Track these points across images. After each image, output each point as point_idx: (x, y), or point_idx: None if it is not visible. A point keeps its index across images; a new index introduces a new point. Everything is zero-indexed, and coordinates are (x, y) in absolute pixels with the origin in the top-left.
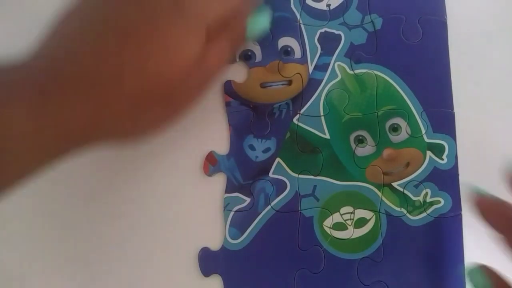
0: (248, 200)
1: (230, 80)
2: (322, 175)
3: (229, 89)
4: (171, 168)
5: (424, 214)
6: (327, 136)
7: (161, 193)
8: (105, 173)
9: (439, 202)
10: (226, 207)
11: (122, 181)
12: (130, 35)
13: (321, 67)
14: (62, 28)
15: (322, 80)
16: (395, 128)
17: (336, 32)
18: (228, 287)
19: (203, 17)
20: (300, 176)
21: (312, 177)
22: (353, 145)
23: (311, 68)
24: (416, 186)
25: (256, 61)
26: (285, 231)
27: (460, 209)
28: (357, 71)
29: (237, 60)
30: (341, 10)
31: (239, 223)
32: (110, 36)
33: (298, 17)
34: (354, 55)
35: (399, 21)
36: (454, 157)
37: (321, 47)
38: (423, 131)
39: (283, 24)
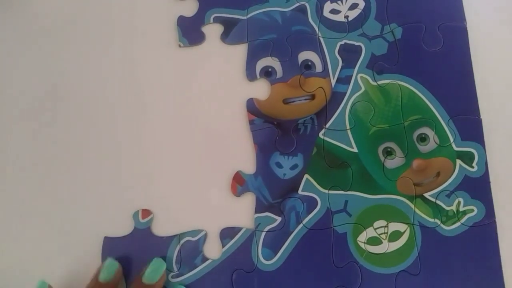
0: (279, 219)
1: (252, 98)
2: (353, 190)
3: (251, 107)
4: (199, 190)
5: (458, 224)
6: (355, 150)
7: (191, 217)
8: (133, 193)
9: (472, 210)
10: (257, 227)
11: (148, 205)
12: None
13: (344, 80)
14: None
15: (345, 93)
16: (423, 138)
17: (356, 44)
18: None
19: None
20: (330, 192)
21: (342, 192)
22: (381, 158)
23: (333, 81)
24: (448, 196)
25: (277, 77)
26: (319, 249)
27: (494, 217)
28: (380, 82)
29: (258, 77)
30: (360, 21)
31: (271, 243)
32: None
33: (317, 30)
34: (376, 66)
35: (419, 29)
36: (484, 164)
37: (342, 60)
38: (451, 139)
39: (302, 38)
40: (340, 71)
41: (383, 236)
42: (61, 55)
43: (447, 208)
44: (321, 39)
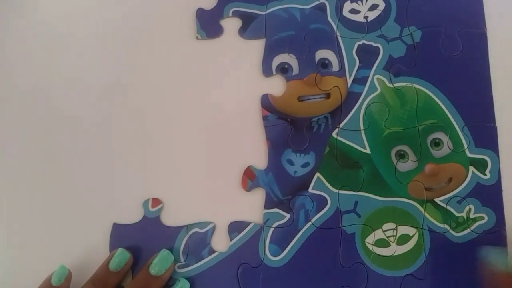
0: (287, 216)
1: (267, 94)
2: (363, 191)
3: (266, 102)
4: (209, 183)
5: (467, 231)
6: (368, 151)
7: (200, 209)
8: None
9: (482, 218)
10: (266, 223)
11: (159, 194)
12: None
13: (360, 80)
14: None
15: (361, 93)
16: (437, 143)
17: (375, 45)
18: None
19: None
20: (341, 191)
21: (353, 192)
22: (394, 160)
23: (349, 81)
24: (459, 202)
25: (293, 74)
26: (326, 248)
27: (504, 225)
28: (396, 85)
29: (274, 73)
30: (379, 22)
31: (279, 240)
32: None
33: (335, 29)
34: (393, 68)
35: (438, 34)
36: (497, 172)
37: (359, 60)
38: (465, 146)
39: (320, 36)
40: (357, 71)
41: (392, 238)
42: (81, 46)
43: (457, 215)
44: (339, 38)
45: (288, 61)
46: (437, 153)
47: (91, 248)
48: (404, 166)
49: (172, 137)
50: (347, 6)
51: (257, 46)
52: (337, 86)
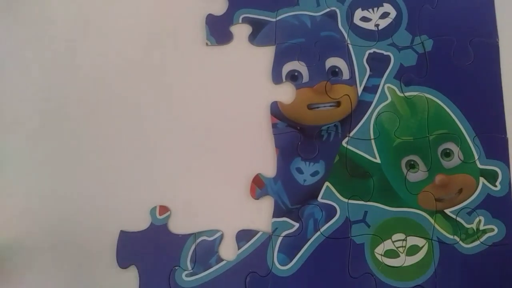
0: (296, 225)
1: (276, 101)
2: (373, 201)
3: (275, 110)
4: (217, 190)
5: (477, 242)
6: (378, 160)
7: (208, 217)
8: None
9: (492, 230)
10: (274, 232)
11: (166, 202)
12: None
13: (371, 89)
14: None
15: (371, 102)
16: (447, 153)
17: (385, 53)
18: None
19: None
20: (350, 201)
21: (362, 202)
22: (404, 170)
23: (360, 90)
24: (469, 213)
25: (303, 81)
26: (335, 258)
27: None
28: (407, 94)
29: (284, 80)
30: (390, 30)
31: (287, 249)
32: None
33: (346, 37)
34: (404, 77)
35: (450, 43)
36: (507, 184)
37: (370, 68)
38: (476, 156)
39: (330, 43)
40: (367, 79)
41: (401, 249)
42: (90, 50)
43: (467, 226)
44: (350, 46)
45: (298, 69)
46: (447, 163)
47: (98, 255)
48: (414, 176)
49: (180, 144)
50: (358, 14)
51: (267, 53)
52: (347, 95)
